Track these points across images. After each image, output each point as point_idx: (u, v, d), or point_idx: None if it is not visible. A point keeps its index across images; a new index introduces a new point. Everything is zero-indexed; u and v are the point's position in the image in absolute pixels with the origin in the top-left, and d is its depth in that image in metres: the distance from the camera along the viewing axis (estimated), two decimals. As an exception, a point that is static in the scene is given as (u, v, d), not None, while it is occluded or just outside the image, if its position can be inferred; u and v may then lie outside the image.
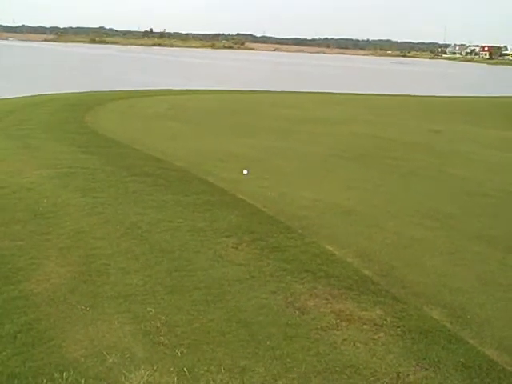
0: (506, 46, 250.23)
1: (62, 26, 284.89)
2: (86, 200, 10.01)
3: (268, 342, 5.69)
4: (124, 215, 9.28)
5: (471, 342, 5.98)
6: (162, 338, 5.70)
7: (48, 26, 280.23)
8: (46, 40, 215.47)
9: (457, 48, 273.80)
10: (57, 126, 19.20)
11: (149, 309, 6.25)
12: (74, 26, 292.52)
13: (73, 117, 21.49)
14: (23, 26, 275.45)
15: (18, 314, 6.04)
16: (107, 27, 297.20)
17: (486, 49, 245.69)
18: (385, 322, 6.22)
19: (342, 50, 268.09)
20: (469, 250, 8.81)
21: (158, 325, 5.93)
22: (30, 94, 29.93)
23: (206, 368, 5.25)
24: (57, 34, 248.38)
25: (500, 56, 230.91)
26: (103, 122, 20.50)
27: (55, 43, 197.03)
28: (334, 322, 6.16)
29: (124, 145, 16.04)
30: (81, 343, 5.59)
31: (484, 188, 13.10)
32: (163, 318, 6.07)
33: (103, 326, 5.90)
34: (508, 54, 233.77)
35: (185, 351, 5.50)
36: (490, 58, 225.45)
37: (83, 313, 6.15)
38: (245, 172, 13.03)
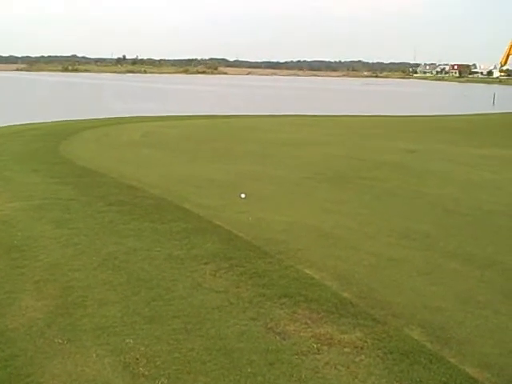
0: (474, 64, 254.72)
1: (33, 55, 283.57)
2: (61, 231, 9.92)
3: (249, 369, 5.66)
4: (100, 245, 9.21)
5: (452, 360, 6.00)
6: (141, 369, 5.64)
7: (19, 55, 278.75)
8: (18, 69, 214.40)
9: (427, 67, 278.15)
10: (30, 156, 19.05)
11: (128, 340, 6.18)
12: (46, 55, 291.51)
13: (47, 147, 21.33)
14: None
15: (-7, 351, 5.93)
16: (80, 55, 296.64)
17: (455, 67, 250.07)
18: (365, 344, 6.21)
19: (314, 72, 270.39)
20: (446, 269, 8.87)
21: (138, 356, 5.87)
22: (1, 125, 29.69)
23: (187, 399, 5.20)
24: (29, 63, 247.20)
25: (469, 74, 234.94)
26: (78, 151, 20.38)
27: (27, 72, 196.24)
28: (315, 346, 6.15)
29: (99, 174, 15.94)
30: (59, 378, 5.51)
31: (459, 207, 13.21)
32: (142, 348, 6.01)
33: (82, 359, 5.83)
34: (477, 72, 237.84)
35: (165, 382, 5.45)
36: (460, 76, 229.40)
37: (61, 347, 6.06)
38: (242, 196, 13.11)
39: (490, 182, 16.71)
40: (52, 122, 33.02)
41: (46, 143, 22.31)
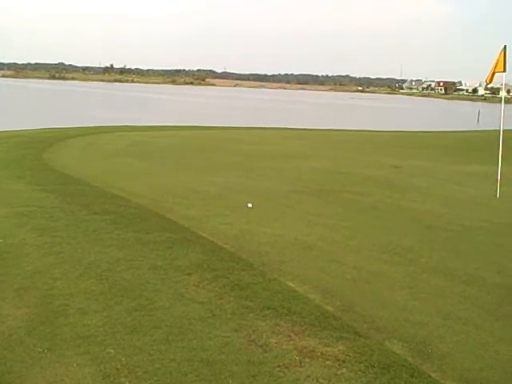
0: (460, 82, 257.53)
1: (20, 62, 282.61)
2: (43, 239, 9.84)
3: (231, 381, 5.63)
4: (83, 254, 9.14)
5: (433, 375, 6.01)
6: (122, 379, 5.59)
7: (6, 62, 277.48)
8: (3, 76, 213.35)
9: (413, 83, 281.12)
10: (13, 163, 18.93)
11: (109, 350, 6.13)
12: (32, 62, 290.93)
13: (30, 154, 21.22)
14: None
15: (-28, 360, 5.86)
16: (67, 63, 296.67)
17: (441, 84, 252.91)
18: (347, 358, 6.21)
19: (302, 86, 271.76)
20: (428, 284, 8.90)
21: (119, 366, 5.82)
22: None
23: (167, 410, 5.16)
24: (15, 70, 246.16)
25: (455, 91, 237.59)
26: (62, 159, 20.30)
27: (14, 79, 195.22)
28: (297, 358, 6.13)
29: (83, 182, 15.88)
30: (39, 387, 5.44)
31: (442, 222, 13.28)
32: (124, 359, 5.96)
33: (62, 368, 5.77)
34: (462, 89, 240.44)
35: (146, 393, 5.40)
36: (446, 93, 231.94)
37: (41, 355, 5.99)
38: (249, 205, 13.27)
39: (472, 198, 16.84)
40: (37, 129, 32.89)
41: (31, 150, 22.19)
